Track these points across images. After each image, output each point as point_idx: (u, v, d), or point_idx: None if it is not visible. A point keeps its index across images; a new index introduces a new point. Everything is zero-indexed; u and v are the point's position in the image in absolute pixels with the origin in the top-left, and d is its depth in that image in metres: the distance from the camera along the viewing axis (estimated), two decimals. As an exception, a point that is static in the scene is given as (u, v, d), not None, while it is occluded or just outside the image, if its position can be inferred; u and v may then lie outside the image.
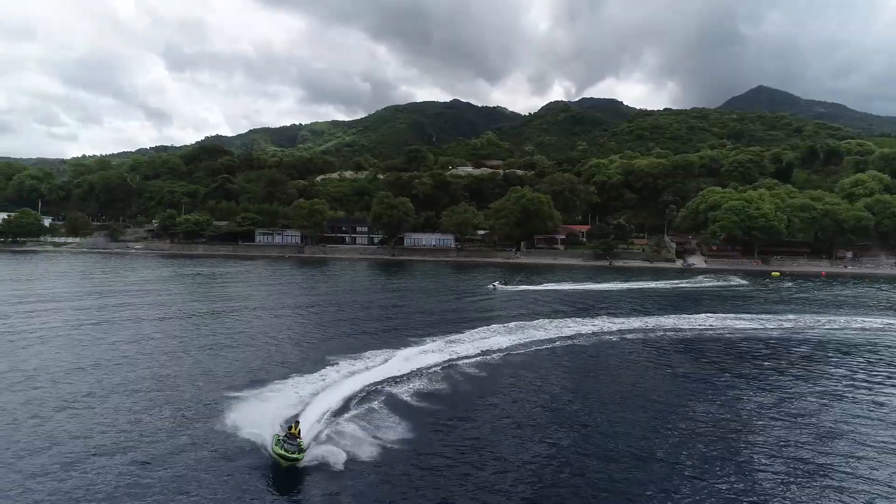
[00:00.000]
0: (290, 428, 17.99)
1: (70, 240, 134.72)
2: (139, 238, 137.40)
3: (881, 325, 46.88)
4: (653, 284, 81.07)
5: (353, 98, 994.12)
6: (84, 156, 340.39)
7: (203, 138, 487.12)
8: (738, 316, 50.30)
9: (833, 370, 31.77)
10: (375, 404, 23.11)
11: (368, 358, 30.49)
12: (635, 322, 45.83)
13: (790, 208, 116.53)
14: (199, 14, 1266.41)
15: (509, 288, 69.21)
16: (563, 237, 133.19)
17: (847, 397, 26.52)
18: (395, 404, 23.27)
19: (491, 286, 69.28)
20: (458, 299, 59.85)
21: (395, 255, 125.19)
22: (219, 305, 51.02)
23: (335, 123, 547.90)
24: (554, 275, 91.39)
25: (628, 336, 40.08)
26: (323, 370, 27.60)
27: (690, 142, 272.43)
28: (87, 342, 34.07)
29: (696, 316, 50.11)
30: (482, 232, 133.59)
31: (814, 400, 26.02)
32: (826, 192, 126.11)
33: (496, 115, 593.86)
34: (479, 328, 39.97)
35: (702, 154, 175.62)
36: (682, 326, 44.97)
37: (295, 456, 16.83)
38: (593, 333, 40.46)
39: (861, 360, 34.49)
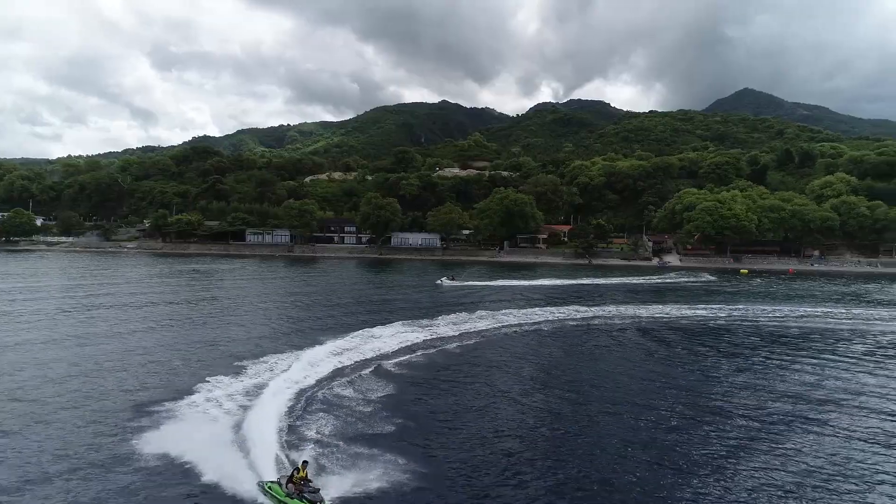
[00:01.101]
0: (296, 471, 15.16)
1: (63, 239, 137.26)
2: (131, 237, 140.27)
3: (820, 314, 51.58)
4: (626, 280, 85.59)
5: (342, 99, 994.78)
6: (70, 156, 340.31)
7: (190, 138, 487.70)
8: (694, 306, 54.81)
9: (759, 350, 36.11)
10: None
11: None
12: (594, 310, 50.14)
13: (761, 209, 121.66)
14: (186, 13, 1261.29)
15: (456, 283, 72.40)
16: (546, 237, 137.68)
17: (762, 372, 30.78)
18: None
19: (438, 282, 72.53)
20: (424, 293, 63.87)
21: (383, 255, 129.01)
22: (213, 297, 54.88)
23: (324, 124, 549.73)
24: (520, 273, 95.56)
25: (570, 323, 44.47)
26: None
27: (675, 144, 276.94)
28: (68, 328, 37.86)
29: (657, 306, 54.69)
30: (467, 232, 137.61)
31: (740, 375, 30.31)
32: (796, 193, 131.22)
33: (485, 117, 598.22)
34: (425, 319, 43.85)
35: (681, 156, 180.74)
36: (641, 314, 49.48)
37: None
38: (533, 322, 44.68)
39: (789, 342, 38.90)
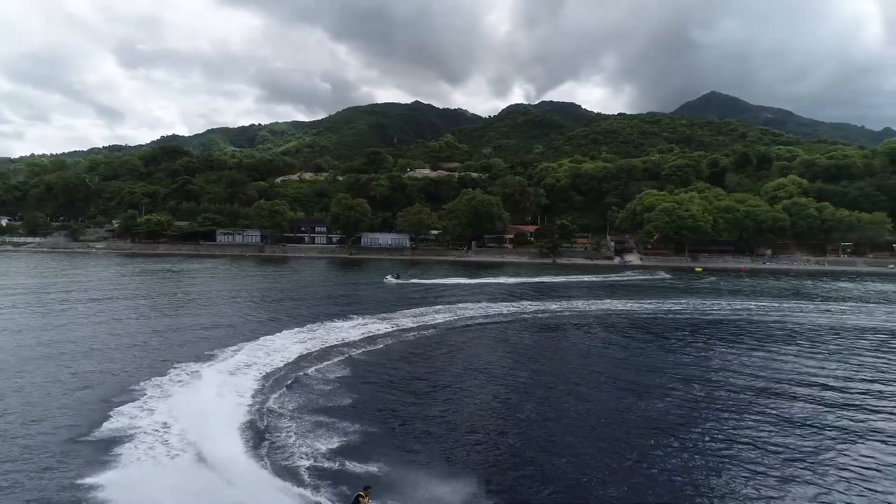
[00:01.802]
0: (360, 496, 14.61)
1: (30, 239, 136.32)
2: (100, 238, 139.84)
3: (754, 307, 55.92)
4: (584, 278, 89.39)
5: (314, 98, 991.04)
6: (34, 154, 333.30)
7: (158, 138, 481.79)
8: (638, 301, 58.74)
9: (697, 337, 39.86)
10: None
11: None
12: (547, 304, 53.57)
13: (716, 210, 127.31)
14: (154, 10, 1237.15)
15: (400, 281, 74.60)
16: (512, 237, 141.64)
17: (687, 355, 34.43)
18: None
19: (385, 279, 75.17)
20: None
21: (353, 254, 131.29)
22: (184, 293, 56.89)
23: (295, 124, 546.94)
24: (471, 272, 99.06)
25: (524, 316, 47.84)
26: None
27: (642, 146, 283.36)
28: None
29: (609, 301, 58.50)
30: (436, 232, 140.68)
31: (663, 355, 33.88)
32: (751, 195, 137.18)
33: (458, 117, 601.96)
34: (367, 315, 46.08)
35: (645, 159, 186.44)
36: (591, 309, 53.07)
37: None
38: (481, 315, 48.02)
39: (717, 331, 42.79)
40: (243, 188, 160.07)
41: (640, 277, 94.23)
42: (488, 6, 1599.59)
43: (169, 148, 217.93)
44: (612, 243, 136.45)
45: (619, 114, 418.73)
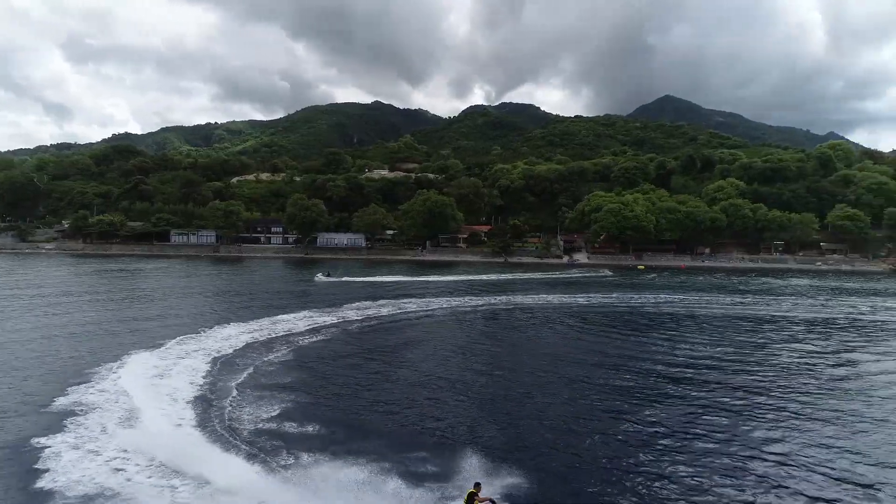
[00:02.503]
0: (473, 495, 14.38)
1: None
2: (50, 238, 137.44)
3: (679, 299, 60.86)
4: (530, 275, 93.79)
5: (272, 97, 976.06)
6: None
7: (110, 136, 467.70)
8: (576, 295, 63.05)
9: (608, 327, 44.00)
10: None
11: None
12: (487, 299, 57.32)
13: (659, 210, 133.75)
14: (103, 4, 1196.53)
15: (331, 279, 76.04)
16: (466, 236, 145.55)
17: (602, 337, 38.44)
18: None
19: (316, 277, 76.93)
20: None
21: (309, 254, 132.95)
22: (138, 291, 58.46)
23: (253, 123, 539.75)
24: (399, 267, 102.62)
25: (462, 309, 51.45)
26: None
27: (597, 148, 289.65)
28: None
29: (545, 295, 62.59)
30: (391, 232, 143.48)
31: (592, 339, 37.79)
32: (692, 196, 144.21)
33: (418, 118, 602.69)
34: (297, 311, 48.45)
35: (595, 161, 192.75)
36: (527, 302, 57.00)
37: None
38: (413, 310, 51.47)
39: (635, 320, 47.15)
40: (198, 188, 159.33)
41: (584, 275, 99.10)
42: (448, 7, 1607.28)
43: (121, 147, 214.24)
44: (562, 242, 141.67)
45: (576, 116, 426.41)
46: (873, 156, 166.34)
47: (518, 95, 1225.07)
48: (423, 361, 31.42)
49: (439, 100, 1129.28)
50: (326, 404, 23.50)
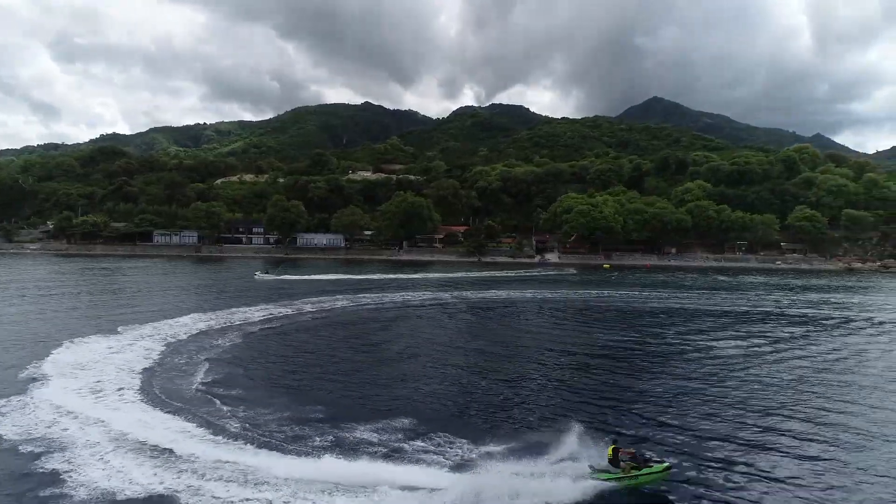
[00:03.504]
0: (616, 451, 16.11)
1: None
2: (34, 239, 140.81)
3: (632, 295, 65.58)
4: (495, 273, 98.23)
5: (261, 97, 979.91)
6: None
7: (98, 136, 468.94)
8: (526, 290, 67.58)
9: (552, 319, 48.46)
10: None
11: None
12: (446, 295, 61.67)
13: (627, 212, 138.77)
14: (91, 3, 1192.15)
15: (269, 277, 78.07)
16: (442, 237, 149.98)
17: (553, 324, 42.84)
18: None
19: (256, 275, 79.16)
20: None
21: (288, 254, 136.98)
22: (116, 288, 62.42)
23: (242, 123, 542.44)
24: (367, 267, 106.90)
25: (413, 301, 55.80)
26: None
27: (581, 149, 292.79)
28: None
29: (493, 291, 67.04)
30: (369, 232, 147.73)
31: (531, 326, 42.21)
32: (659, 198, 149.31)
33: (409, 119, 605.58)
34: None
35: (572, 163, 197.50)
36: (473, 297, 61.40)
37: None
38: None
39: (590, 313, 51.69)
40: (182, 189, 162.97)
41: (549, 273, 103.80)
42: (437, 8, 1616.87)
43: (107, 149, 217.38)
44: (535, 243, 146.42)
45: (563, 118, 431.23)
46: (836, 159, 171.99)
47: (508, 96, 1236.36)
48: (366, 344, 35.74)
49: (430, 100, 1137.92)
50: (259, 376, 27.58)
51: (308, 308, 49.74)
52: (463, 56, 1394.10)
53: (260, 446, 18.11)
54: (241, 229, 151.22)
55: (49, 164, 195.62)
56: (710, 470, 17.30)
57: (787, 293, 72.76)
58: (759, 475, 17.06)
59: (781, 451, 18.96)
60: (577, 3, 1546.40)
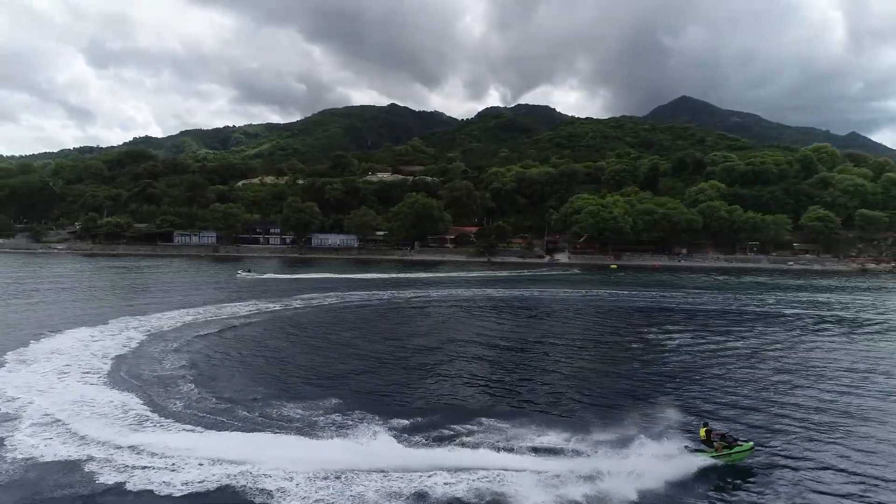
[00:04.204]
0: (710, 433, 18.59)
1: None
2: (62, 239, 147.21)
3: (609, 293, 66.75)
4: (496, 273, 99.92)
5: (289, 99, 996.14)
6: (2, 156, 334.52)
7: (131, 139, 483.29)
8: (514, 289, 69.23)
9: (537, 313, 50.18)
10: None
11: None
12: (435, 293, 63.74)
13: (637, 212, 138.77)
14: (121, 8, 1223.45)
15: (250, 276, 79.19)
16: (453, 237, 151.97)
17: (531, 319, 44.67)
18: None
19: (238, 273, 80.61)
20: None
21: (303, 254, 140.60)
22: (130, 284, 66.05)
23: (269, 126, 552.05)
24: (372, 267, 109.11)
25: (399, 298, 57.95)
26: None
27: (603, 150, 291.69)
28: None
29: (482, 290, 68.97)
30: (381, 232, 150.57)
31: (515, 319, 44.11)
32: (672, 198, 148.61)
33: (433, 120, 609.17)
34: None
35: (587, 164, 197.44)
36: (464, 294, 63.33)
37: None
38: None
39: (567, 311, 53.26)
40: (203, 191, 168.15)
41: (553, 273, 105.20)
42: (461, 9, 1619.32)
43: (135, 152, 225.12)
44: (545, 243, 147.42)
45: (587, 118, 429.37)
46: (856, 158, 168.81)
47: (534, 97, 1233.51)
48: (342, 334, 38.04)
49: (455, 101, 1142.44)
50: (223, 365, 30.02)
51: (296, 304, 52.29)
52: (487, 57, 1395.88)
53: (197, 424, 20.29)
54: (258, 230, 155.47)
55: (79, 167, 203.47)
56: (789, 448, 19.73)
57: (772, 291, 72.95)
58: (832, 450, 19.53)
59: (850, 431, 21.32)
60: (600, 2, 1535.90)
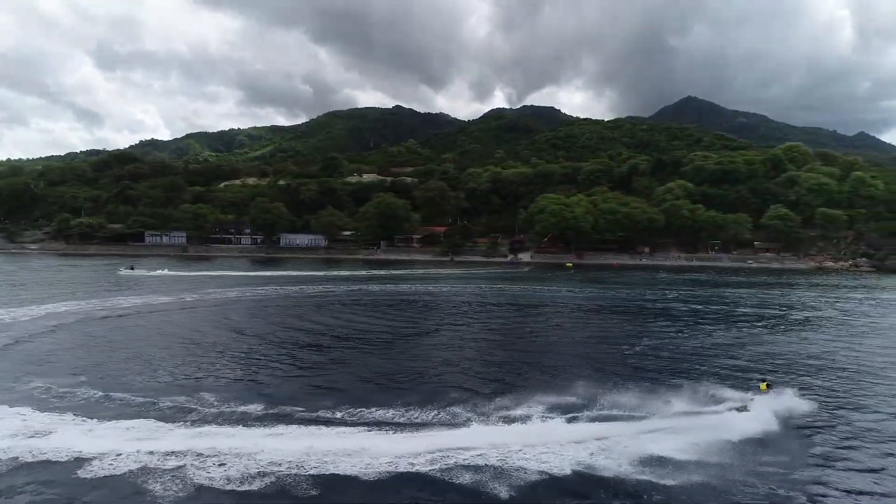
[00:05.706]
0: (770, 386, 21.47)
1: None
2: (36, 240, 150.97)
3: (578, 292, 68.17)
4: (447, 271, 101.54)
5: (295, 101, 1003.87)
6: (10, 159, 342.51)
7: (138, 142, 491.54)
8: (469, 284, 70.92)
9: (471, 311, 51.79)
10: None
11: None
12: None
13: (600, 212, 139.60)
14: (128, 11, 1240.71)
15: (135, 273, 79.49)
16: (422, 237, 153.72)
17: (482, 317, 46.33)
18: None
19: (120, 270, 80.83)
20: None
21: (270, 254, 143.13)
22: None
23: (274, 129, 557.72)
24: (289, 265, 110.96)
25: (306, 292, 59.78)
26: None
27: (597, 151, 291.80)
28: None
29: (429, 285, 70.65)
30: (348, 232, 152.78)
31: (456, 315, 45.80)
32: (637, 198, 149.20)
33: (438, 121, 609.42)
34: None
35: (563, 164, 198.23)
36: (376, 289, 65.06)
37: None
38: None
39: (509, 306, 54.84)
40: (181, 193, 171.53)
41: (503, 271, 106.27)
42: (467, 10, 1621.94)
43: (119, 155, 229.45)
44: (510, 242, 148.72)
45: (586, 119, 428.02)
46: (827, 158, 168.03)
47: (540, 98, 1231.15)
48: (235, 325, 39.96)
49: (460, 103, 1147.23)
50: (87, 351, 32.05)
51: (187, 298, 54.27)
52: (493, 58, 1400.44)
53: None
54: (231, 230, 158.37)
55: (64, 169, 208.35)
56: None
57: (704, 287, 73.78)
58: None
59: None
60: (606, 2, 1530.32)
